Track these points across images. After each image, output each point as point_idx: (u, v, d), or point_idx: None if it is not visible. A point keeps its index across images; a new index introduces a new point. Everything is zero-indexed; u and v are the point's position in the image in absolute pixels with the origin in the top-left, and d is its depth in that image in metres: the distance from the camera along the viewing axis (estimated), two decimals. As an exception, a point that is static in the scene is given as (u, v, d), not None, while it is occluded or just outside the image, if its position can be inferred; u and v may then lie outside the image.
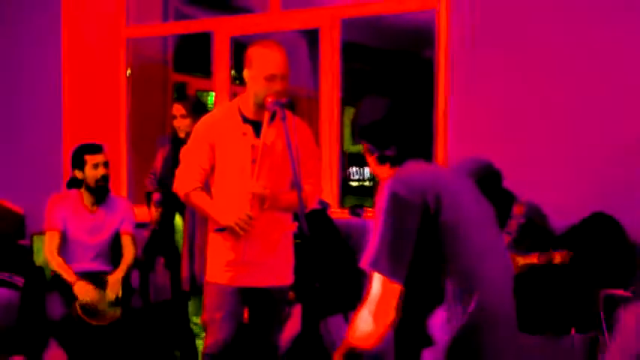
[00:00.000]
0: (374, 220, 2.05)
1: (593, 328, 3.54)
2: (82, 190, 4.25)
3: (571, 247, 3.35)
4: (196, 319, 4.06)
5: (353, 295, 2.06)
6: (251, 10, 6.02)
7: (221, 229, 3.23)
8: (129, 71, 5.80)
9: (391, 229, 2.00)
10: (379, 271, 2.00)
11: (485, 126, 4.23)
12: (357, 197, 7.08)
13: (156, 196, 4.48)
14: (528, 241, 3.58)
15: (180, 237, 4.24)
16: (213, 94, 5.53)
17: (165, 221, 4.42)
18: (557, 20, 4.06)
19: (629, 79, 3.90)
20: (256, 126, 3.23)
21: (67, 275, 4.06)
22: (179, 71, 6.93)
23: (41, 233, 4.35)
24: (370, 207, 4.22)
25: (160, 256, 4.40)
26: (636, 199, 3.84)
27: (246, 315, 3.47)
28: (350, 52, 5.19)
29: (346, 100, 5.05)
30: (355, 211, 4.57)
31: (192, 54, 6.78)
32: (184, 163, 3.38)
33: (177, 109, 4.37)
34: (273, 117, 3.20)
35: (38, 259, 4.44)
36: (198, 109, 4.34)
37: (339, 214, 4.70)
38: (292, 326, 4.00)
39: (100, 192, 4.24)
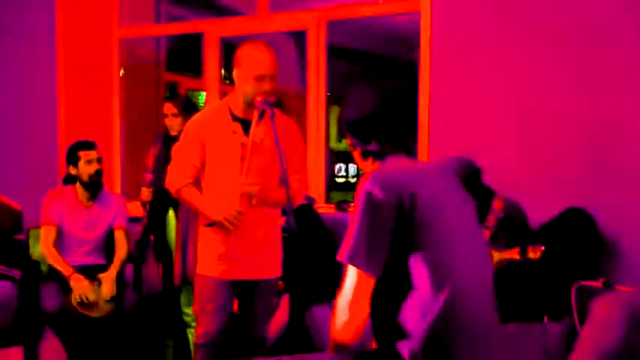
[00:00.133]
0: (352, 215, 2.06)
1: (566, 316, 3.58)
2: (77, 185, 4.28)
3: (546, 242, 3.38)
4: (188, 310, 4.09)
5: (337, 285, 2.07)
6: (240, 12, 6.04)
7: (211, 224, 3.26)
8: (122, 71, 5.81)
9: (367, 225, 2.01)
10: (355, 265, 2.01)
11: (465, 124, 4.27)
12: (343, 193, 7.12)
13: (148, 177, 4.50)
14: (507, 237, 3.61)
15: (172, 233, 4.25)
16: (204, 93, 5.55)
17: (157, 216, 4.43)
18: (533, 25, 4.11)
19: (602, 77, 3.94)
20: (245, 124, 3.25)
21: (63, 268, 4.08)
22: (171, 71, 6.94)
23: (37, 228, 4.36)
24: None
25: (152, 250, 4.42)
26: (608, 195, 3.90)
27: (235, 306, 3.50)
28: (337, 53, 5.22)
29: (332, 99, 5.07)
30: (341, 206, 4.61)
31: (184, 54, 6.80)
32: (176, 160, 3.40)
33: (169, 107, 4.38)
34: (261, 115, 3.22)
35: (34, 253, 4.45)
36: (188, 107, 4.35)
37: (325, 209, 4.74)
38: (280, 317, 4.03)
39: (94, 187, 4.26)
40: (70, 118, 5.50)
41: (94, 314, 4.00)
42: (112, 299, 4.06)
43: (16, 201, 4.98)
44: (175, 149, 3.52)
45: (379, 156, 2.20)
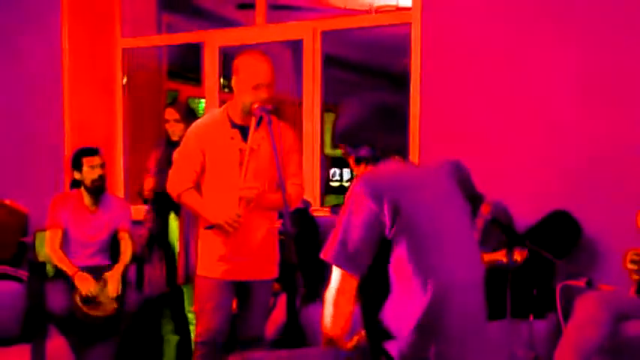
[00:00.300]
0: (339, 216, 2.08)
1: (551, 314, 3.61)
2: (82, 190, 4.30)
3: (532, 243, 3.40)
4: (191, 308, 4.10)
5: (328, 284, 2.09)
6: (239, 23, 6.06)
7: (210, 227, 3.28)
8: (125, 79, 5.83)
9: (352, 229, 2.02)
10: (338, 266, 2.03)
11: (454, 131, 4.29)
12: (338, 196, 7.14)
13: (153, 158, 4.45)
14: (494, 239, 3.63)
15: (174, 236, 4.26)
16: (204, 100, 5.56)
17: (161, 220, 4.43)
18: (523, 33, 4.13)
19: (589, 84, 3.97)
20: (244, 131, 3.26)
21: (68, 268, 4.09)
22: (172, 79, 6.95)
23: (43, 230, 4.37)
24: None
25: (156, 252, 4.41)
26: (592, 199, 3.92)
27: (234, 306, 3.51)
28: (331, 62, 5.24)
29: (327, 107, 5.10)
30: (336, 209, 4.63)
31: (184, 63, 6.81)
32: (177, 165, 3.41)
33: (171, 113, 4.37)
34: (259, 122, 3.23)
35: (40, 255, 4.45)
36: (189, 114, 4.36)
37: (320, 212, 4.76)
38: (277, 316, 4.04)
39: (97, 191, 4.28)
40: (76, 124, 5.51)
41: (98, 313, 4.01)
42: (117, 298, 4.07)
43: (23, 204, 5.00)
44: (177, 155, 3.52)
45: (371, 161, 2.21)
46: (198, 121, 3.47)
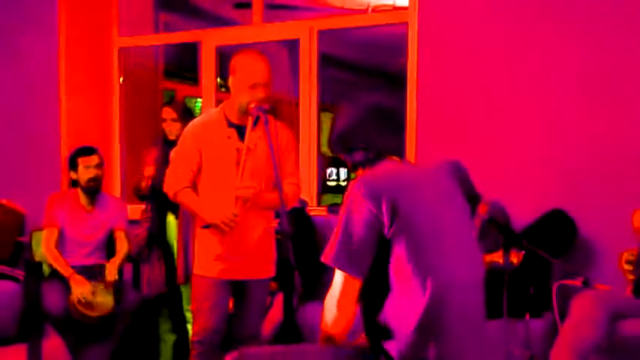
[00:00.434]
0: (338, 218, 2.07)
1: (547, 313, 3.60)
2: (79, 189, 4.29)
3: (528, 242, 3.39)
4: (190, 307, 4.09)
5: (327, 285, 2.08)
6: (236, 22, 6.04)
7: (207, 226, 3.26)
8: (121, 79, 5.80)
9: (351, 230, 2.01)
10: (339, 268, 2.02)
11: (451, 130, 4.28)
12: (334, 195, 7.13)
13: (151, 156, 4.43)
14: (491, 240, 3.62)
15: (173, 236, 4.25)
16: (200, 100, 5.54)
17: (158, 219, 4.41)
18: (520, 33, 4.12)
19: (587, 84, 3.96)
20: (240, 130, 3.25)
21: (63, 269, 4.08)
22: (169, 78, 6.92)
23: (40, 230, 4.35)
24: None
25: (155, 252, 4.39)
26: (589, 198, 3.91)
27: (231, 305, 3.49)
28: (328, 62, 5.23)
29: (324, 106, 5.08)
30: (332, 208, 4.61)
31: (181, 63, 6.79)
32: (174, 164, 3.40)
33: (168, 112, 4.35)
34: (256, 122, 3.22)
35: (37, 254, 4.44)
36: (186, 113, 4.34)
37: (317, 211, 4.74)
38: (274, 315, 4.03)
39: (91, 191, 4.28)
40: (72, 123, 5.49)
41: (94, 313, 3.99)
42: (115, 298, 4.05)
43: (20, 204, 4.97)
44: (173, 154, 3.51)
45: (367, 164, 2.20)
46: (195, 120, 3.46)
